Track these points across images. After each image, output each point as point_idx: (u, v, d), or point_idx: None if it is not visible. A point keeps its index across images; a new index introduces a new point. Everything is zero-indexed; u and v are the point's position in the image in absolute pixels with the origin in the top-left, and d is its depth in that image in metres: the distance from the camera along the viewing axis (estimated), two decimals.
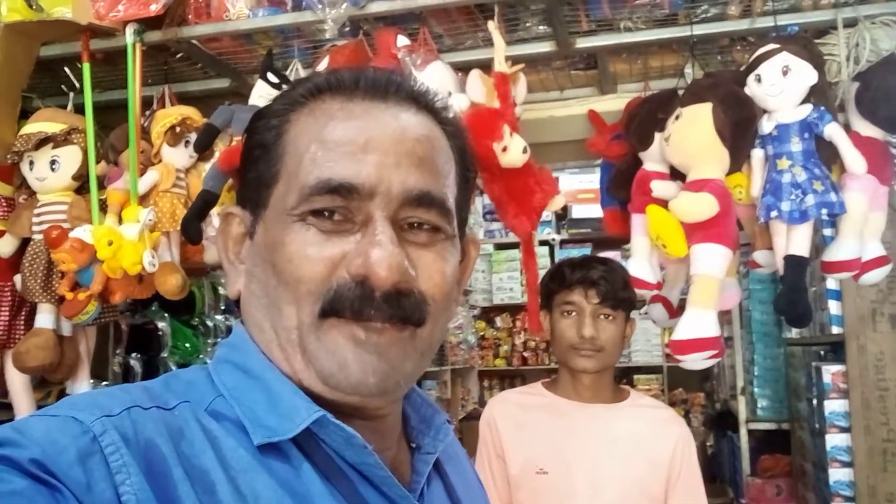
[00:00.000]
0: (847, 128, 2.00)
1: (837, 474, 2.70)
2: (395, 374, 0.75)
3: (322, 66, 2.11)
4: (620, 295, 1.98)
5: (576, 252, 6.47)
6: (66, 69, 2.42)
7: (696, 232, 2.01)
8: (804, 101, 1.96)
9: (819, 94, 1.97)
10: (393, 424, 0.84)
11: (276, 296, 0.76)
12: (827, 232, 2.51)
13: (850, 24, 2.13)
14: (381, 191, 0.74)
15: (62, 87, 2.48)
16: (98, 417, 0.66)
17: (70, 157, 2.24)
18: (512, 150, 2.00)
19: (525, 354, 6.97)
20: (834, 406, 2.71)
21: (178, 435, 0.69)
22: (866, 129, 2.00)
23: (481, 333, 6.98)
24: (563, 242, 6.67)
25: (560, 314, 2.01)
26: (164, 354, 3.26)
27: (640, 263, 2.22)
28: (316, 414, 0.72)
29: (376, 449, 0.75)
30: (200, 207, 2.15)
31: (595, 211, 6.03)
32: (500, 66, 2.05)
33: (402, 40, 2.11)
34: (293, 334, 0.75)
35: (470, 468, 1.03)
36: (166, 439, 0.68)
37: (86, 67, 2.21)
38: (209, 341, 3.50)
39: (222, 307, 3.65)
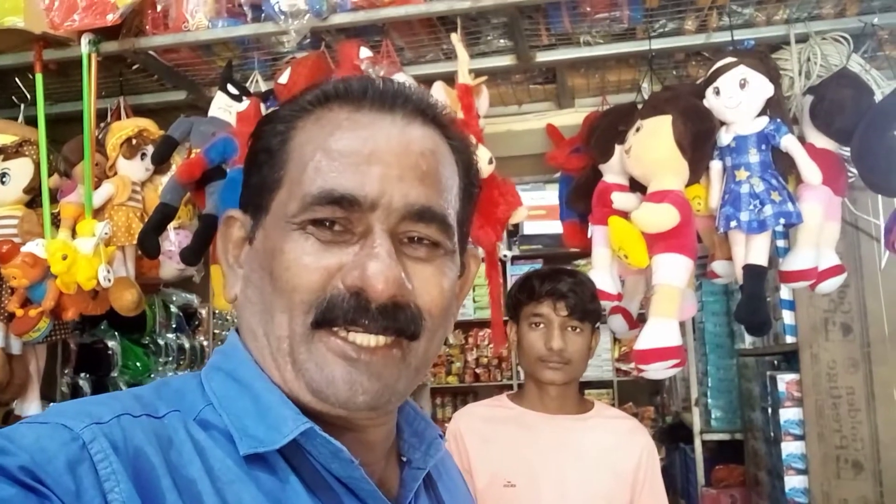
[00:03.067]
0: (801, 140, 2.05)
1: (793, 482, 2.75)
2: (385, 393, 0.74)
3: (284, 77, 2.10)
4: (588, 307, 1.99)
5: (527, 268, 6.51)
6: (17, 80, 2.35)
7: (658, 242, 2.03)
8: (761, 114, 2.01)
9: (775, 107, 2.02)
10: (383, 437, 0.83)
11: (271, 303, 0.75)
12: (780, 243, 2.57)
13: (802, 39, 2.20)
14: (382, 203, 0.74)
15: (13, 98, 2.41)
16: (87, 425, 0.65)
17: (21, 170, 2.18)
18: (478, 161, 2.00)
19: (477, 371, 6.96)
20: (789, 414, 2.76)
21: (167, 444, 0.68)
22: (820, 141, 2.06)
23: None
24: (514, 258, 6.69)
25: (528, 326, 2.00)
26: (114, 374, 3.19)
27: (601, 275, 2.24)
28: (303, 426, 0.71)
29: (364, 462, 0.74)
30: (158, 221, 2.11)
31: (547, 227, 6.10)
32: (464, 78, 2.06)
33: (365, 52, 2.10)
34: (284, 343, 0.74)
35: (461, 483, 1.02)
36: (156, 448, 0.67)
37: (38, 78, 2.15)
38: (160, 360, 3.44)
39: (173, 325, 3.59)
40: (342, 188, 0.73)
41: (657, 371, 2.04)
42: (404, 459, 0.87)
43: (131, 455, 0.65)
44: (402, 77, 2.11)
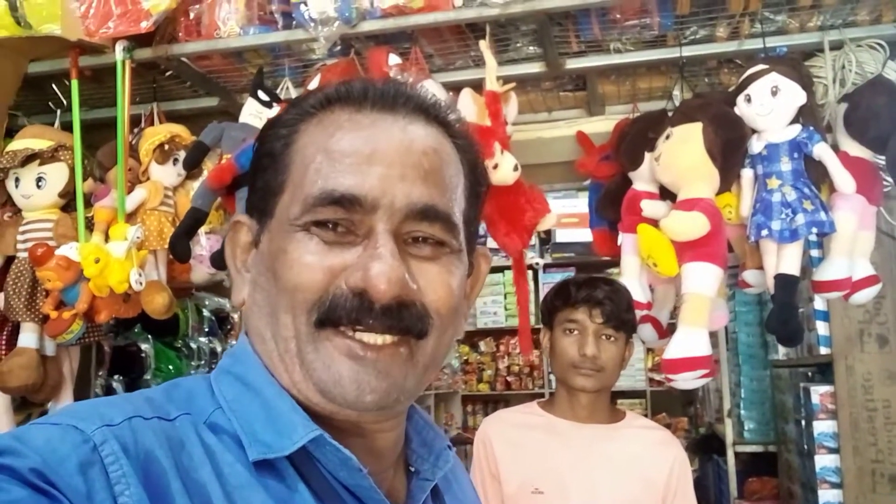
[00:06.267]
0: (834, 148, 2.02)
1: (827, 496, 2.69)
2: (394, 391, 0.74)
3: (313, 84, 2.11)
4: (624, 317, 1.98)
5: (559, 276, 6.48)
6: (54, 86, 2.40)
7: (687, 251, 2.01)
8: (793, 121, 1.98)
9: (808, 114, 1.99)
10: (391, 445, 0.83)
11: (275, 304, 0.75)
12: (814, 253, 2.53)
13: (836, 46, 2.16)
14: (384, 203, 0.73)
15: (49, 104, 2.46)
16: (99, 427, 0.65)
17: (57, 174, 2.22)
18: (503, 168, 2.00)
19: (509, 379, 6.94)
20: (822, 427, 2.71)
21: (178, 447, 0.68)
22: (854, 149, 2.02)
23: (465, 358, 6.94)
24: (546, 266, 6.67)
25: (562, 332, 1.99)
26: (147, 377, 3.21)
27: (630, 283, 2.22)
28: (313, 433, 0.71)
29: (372, 472, 0.74)
30: (189, 225, 2.13)
31: (579, 235, 6.06)
32: (492, 84, 2.06)
33: (394, 59, 2.11)
34: (291, 344, 0.74)
35: (471, 493, 1.01)
36: (166, 451, 0.67)
37: (74, 84, 2.19)
38: (192, 363, 3.46)
39: (206, 329, 3.62)
40: (343, 188, 0.73)
41: (686, 381, 2.02)
42: (412, 469, 0.86)
43: (142, 458, 0.65)
44: (431, 84, 2.11)
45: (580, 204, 5.49)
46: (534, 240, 6.56)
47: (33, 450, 0.61)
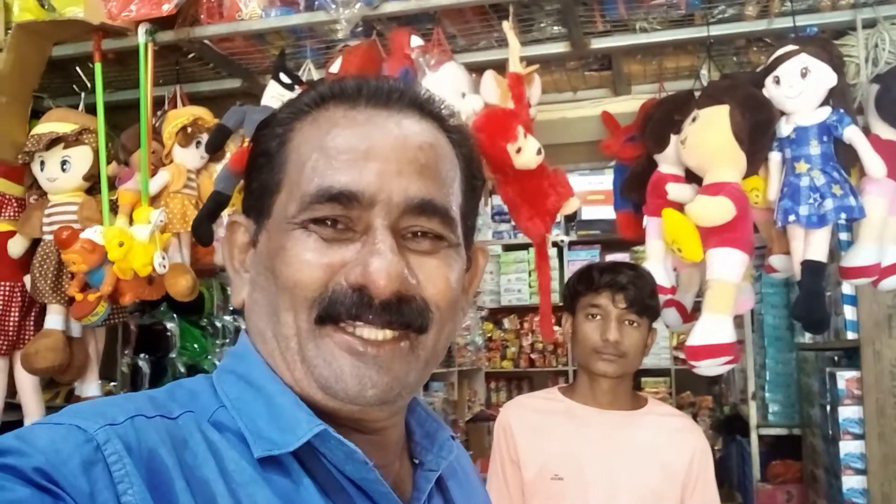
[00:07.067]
0: (866, 130, 1.97)
1: (851, 482, 2.68)
2: (396, 386, 0.75)
3: (335, 66, 2.10)
4: (647, 302, 1.97)
5: (585, 254, 6.46)
6: (78, 69, 2.40)
7: (713, 236, 1.98)
8: (823, 104, 1.94)
9: (838, 97, 1.95)
10: (395, 439, 0.84)
11: (276, 303, 0.76)
12: (843, 236, 2.49)
13: (869, 24, 2.10)
14: (381, 199, 0.74)
15: (73, 87, 2.47)
16: (102, 426, 0.66)
17: (81, 158, 2.23)
18: (526, 152, 1.98)
19: (532, 356, 6.95)
20: (848, 412, 2.69)
21: (181, 445, 0.69)
22: (886, 132, 1.98)
23: (488, 335, 6.96)
24: (571, 244, 6.64)
25: (584, 317, 1.99)
26: (173, 355, 3.25)
27: (654, 267, 2.20)
28: (317, 428, 0.72)
29: (377, 464, 0.74)
30: (212, 209, 2.14)
31: (605, 213, 6.04)
32: (515, 66, 2.03)
33: (416, 40, 2.09)
34: (292, 342, 0.75)
35: (477, 482, 1.01)
36: (169, 449, 0.68)
37: (97, 67, 2.20)
38: (217, 342, 3.50)
39: (231, 308, 3.64)
40: (340, 184, 0.74)
41: (709, 368, 2.00)
42: (416, 461, 0.87)
43: (145, 456, 0.66)
44: (453, 65, 2.09)
45: (606, 181, 5.44)
46: (559, 217, 6.52)
47: (37, 449, 0.62)
